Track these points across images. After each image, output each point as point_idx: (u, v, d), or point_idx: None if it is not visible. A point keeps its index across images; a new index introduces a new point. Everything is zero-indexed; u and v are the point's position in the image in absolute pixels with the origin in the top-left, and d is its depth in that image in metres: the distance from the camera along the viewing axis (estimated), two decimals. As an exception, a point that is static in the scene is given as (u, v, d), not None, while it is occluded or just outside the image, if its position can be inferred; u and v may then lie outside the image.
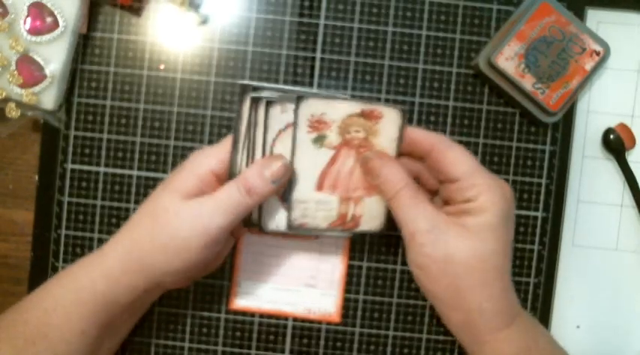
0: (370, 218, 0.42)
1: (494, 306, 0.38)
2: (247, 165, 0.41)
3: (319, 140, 0.40)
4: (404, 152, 0.42)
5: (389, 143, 0.41)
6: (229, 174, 0.41)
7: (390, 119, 0.41)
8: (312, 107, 0.40)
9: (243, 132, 0.41)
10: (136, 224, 0.40)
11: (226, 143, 0.41)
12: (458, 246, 0.37)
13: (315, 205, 0.42)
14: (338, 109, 0.40)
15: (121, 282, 0.40)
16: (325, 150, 0.41)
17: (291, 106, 0.40)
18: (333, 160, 0.41)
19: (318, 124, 0.40)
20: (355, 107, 0.40)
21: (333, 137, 0.41)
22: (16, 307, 0.41)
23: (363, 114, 0.40)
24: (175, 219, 0.39)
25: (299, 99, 0.39)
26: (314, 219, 0.42)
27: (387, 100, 0.48)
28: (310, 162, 0.41)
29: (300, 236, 0.42)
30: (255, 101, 0.40)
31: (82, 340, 0.39)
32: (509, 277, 0.39)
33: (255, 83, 0.41)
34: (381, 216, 0.43)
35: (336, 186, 0.41)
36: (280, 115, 0.40)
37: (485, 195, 0.38)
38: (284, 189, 0.41)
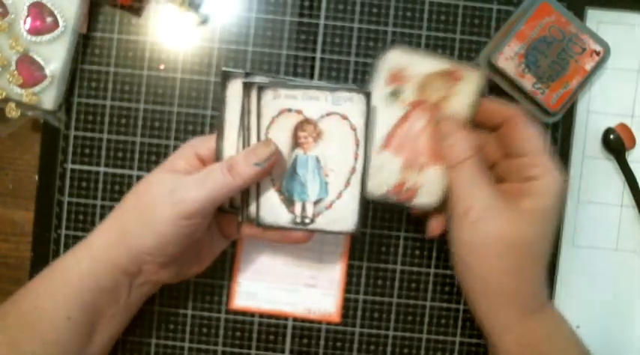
0: (427, 192, 0.41)
1: (530, 290, 0.39)
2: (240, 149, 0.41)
3: (395, 95, 0.40)
4: (476, 121, 0.42)
5: (464, 107, 0.41)
6: (215, 159, 0.41)
7: (469, 82, 0.40)
8: (396, 59, 0.40)
9: (227, 119, 0.41)
10: (124, 202, 0.41)
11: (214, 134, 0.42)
12: (510, 228, 0.37)
13: (378, 164, 0.41)
14: (421, 65, 0.40)
15: (103, 261, 0.40)
16: (398, 107, 0.40)
17: (283, 92, 0.39)
18: (404, 118, 0.40)
19: (397, 78, 0.39)
20: (438, 65, 0.40)
21: (409, 93, 0.40)
22: (13, 297, 0.41)
23: (445, 74, 0.40)
24: (154, 188, 0.40)
25: (386, 49, 0.39)
26: (373, 182, 0.41)
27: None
28: (381, 118, 0.40)
29: (296, 234, 0.42)
30: (247, 87, 0.40)
31: (69, 326, 0.40)
32: (546, 263, 0.39)
33: (237, 70, 0.41)
34: (438, 193, 0.41)
35: (403, 147, 0.41)
36: (273, 101, 0.40)
37: (547, 177, 0.38)
38: (281, 179, 0.41)
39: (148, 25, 0.48)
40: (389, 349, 0.48)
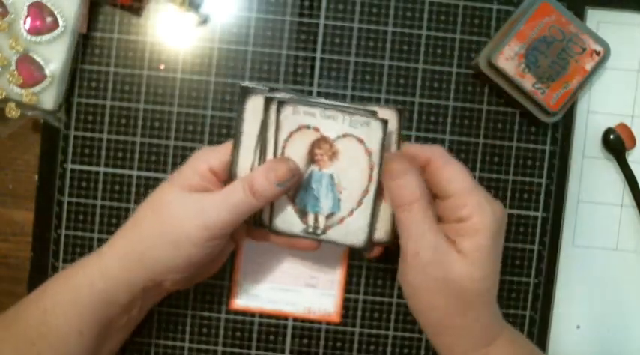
0: (380, 228, 0.42)
1: (479, 325, 0.39)
2: (259, 165, 0.41)
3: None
4: None
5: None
6: (230, 174, 0.41)
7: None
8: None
9: (244, 133, 0.41)
10: (139, 219, 0.40)
11: (228, 144, 0.41)
12: (456, 269, 0.37)
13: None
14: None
15: (120, 280, 0.39)
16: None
17: (302, 109, 0.40)
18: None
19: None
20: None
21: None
22: (16, 307, 0.41)
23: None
24: (179, 210, 0.39)
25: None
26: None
27: (387, 101, 0.48)
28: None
29: (305, 242, 0.42)
30: (268, 101, 0.40)
31: (81, 340, 0.39)
32: (494, 296, 0.40)
33: (257, 86, 0.41)
34: (388, 230, 0.42)
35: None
36: (292, 116, 0.40)
37: (477, 216, 0.38)
38: (296, 191, 0.41)
39: (147, 25, 0.48)
40: (389, 349, 0.48)
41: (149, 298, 0.43)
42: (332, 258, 0.48)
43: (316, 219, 0.41)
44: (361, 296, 0.48)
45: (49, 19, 0.45)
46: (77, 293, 0.39)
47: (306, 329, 0.48)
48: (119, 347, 0.44)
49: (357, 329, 0.48)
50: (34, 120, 0.48)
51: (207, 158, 0.41)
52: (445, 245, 0.38)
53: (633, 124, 0.49)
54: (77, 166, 0.48)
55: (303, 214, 0.41)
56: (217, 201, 0.38)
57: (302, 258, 0.48)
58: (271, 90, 0.41)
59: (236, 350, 0.48)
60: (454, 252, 0.37)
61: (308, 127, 0.40)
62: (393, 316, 0.48)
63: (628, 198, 0.49)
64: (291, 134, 0.40)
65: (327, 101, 0.40)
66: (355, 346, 0.48)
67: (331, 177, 0.41)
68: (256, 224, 0.42)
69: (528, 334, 0.48)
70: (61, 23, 0.45)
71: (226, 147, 0.41)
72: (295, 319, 0.48)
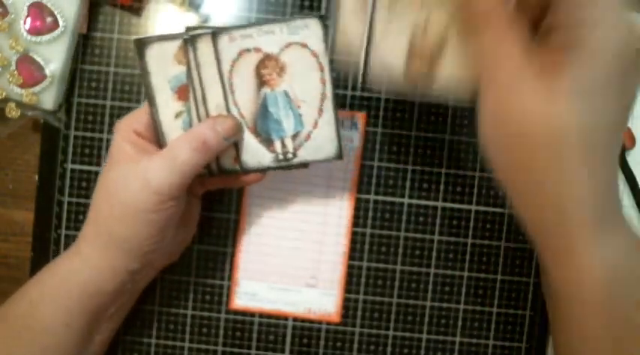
0: (450, 66, 0.33)
1: (587, 198, 0.27)
2: (201, 112, 0.40)
3: None
4: None
5: None
6: (157, 133, 0.40)
7: None
8: None
9: (155, 87, 0.40)
10: (96, 206, 0.40)
11: (145, 104, 0.40)
12: (537, 109, 0.26)
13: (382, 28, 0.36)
14: None
15: (102, 268, 0.39)
16: None
17: (238, 33, 0.38)
18: None
19: None
20: None
21: None
22: (8, 301, 0.41)
23: None
24: (125, 184, 0.38)
25: None
26: (382, 48, 0.35)
27: (386, 100, 0.48)
28: None
29: (249, 177, 0.41)
30: (192, 41, 0.38)
31: (68, 332, 0.39)
32: (610, 159, 0.28)
33: (151, 36, 0.40)
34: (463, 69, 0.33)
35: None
36: (229, 45, 0.38)
37: (597, 32, 0.26)
38: (254, 121, 0.40)
39: (147, 25, 0.48)
40: (389, 349, 0.48)
41: (139, 281, 0.42)
42: (332, 258, 0.48)
43: (283, 144, 0.40)
44: (361, 296, 0.49)
45: (49, 19, 0.45)
46: (62, 285, 0.39)
47: (306, 329, 0.48)
48: (112, 335, 0.44)
49: (357, 329, 0.48)
50: (34, 120, 0.48)
51: (130, 124, 0.40)
52: (535, 69, 0.27)
53: (633, 124, 0.49)
54: (77, 166, 0.48)
55: (268, 143, 0.40)
56: (161, 164, 0.37)
57: (302, 258, 0.48)
58: (172, 36, 0.39)
59: (236, 350, 0.48)
60: (548, 80, 0.26)
61: (248, 50, 0.39)
62: (393, 316, 0.49)
63: (628, 198, 0.49)
64: (233, 63, 0.39)
65: (254, 23, 0.39)
66: (355, 346, 0.48)
67: (285, 94, 0.40)
68: (219, 172, 0.41)
69: (528, 334, 0.48)
70: (61, 23, 0.45)
71: (144, 107, 0.40)
72: (295, 319, 0.48)
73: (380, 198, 0.48)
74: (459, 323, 0.48)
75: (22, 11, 0.44)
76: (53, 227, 0.48)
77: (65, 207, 0.48)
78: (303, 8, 0.48)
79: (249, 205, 0.48)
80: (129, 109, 0.48)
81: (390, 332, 0.49)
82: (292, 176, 0.48)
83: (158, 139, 0.41)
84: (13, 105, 0.45)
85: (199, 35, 0.39)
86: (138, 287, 0.44)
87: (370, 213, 0.48)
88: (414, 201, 0.48)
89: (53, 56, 0.45)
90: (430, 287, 0.48)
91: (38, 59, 0.45)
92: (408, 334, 0.48)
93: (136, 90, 0.48)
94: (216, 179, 0.43)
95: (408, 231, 0.48)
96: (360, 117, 0.48)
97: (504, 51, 0.27)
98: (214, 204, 0.48)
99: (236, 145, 0.40)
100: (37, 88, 0.45)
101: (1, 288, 0.49)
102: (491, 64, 0.28)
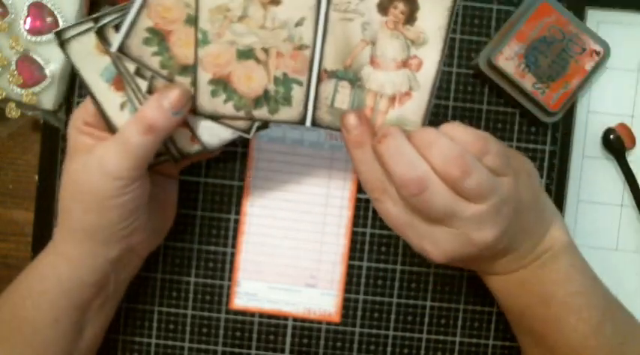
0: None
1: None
2: (141, 99, 0.38)
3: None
4: None
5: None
6: (108, 127, 0.39)
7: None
8: None
9: (88, 77, 0.38)
10: (65, 200, 0.40)
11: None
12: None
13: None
14: None
15: (82, 261, 0.39)
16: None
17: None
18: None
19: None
20: None
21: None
22: None
23: None
24: (85, 174, 0.38)
25: None
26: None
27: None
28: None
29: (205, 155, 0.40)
30: (101, 33, 0.37)
31: (57, 327, 0.39)
32: (507, 246, 0.38)
33: (66, 27, 0.38)
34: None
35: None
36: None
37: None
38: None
39: (148, 25, 0.48)
40: (389, 349, 0.48)
41: (122, 269, 0.42)
42: (332, 258, 0.48)
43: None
44: (361, 296, 0.48)
45: (49, 19, 0.45)
46: (45, 283, 0.39)
47: (306, 329, 0.48)
48: (104, 328, 0.44)
49: (357, 329, 0.48)
50: (34, 120, 0.48)
51: (80, 117, 0.40)
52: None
53: (633, 124, 0.49)
54: (77, 166, 0.48)
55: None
56: (113, 149, 0.37)
57: (302, 258, 0.48)
58: (85, 29, 0.38)
59: (236, 350, 0.48)
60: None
61: None
62: (393, 316, 0.48)
63: (628, 198, 0.49)
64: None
65: None
66: (355, 346, 0.48)
67: None
68: (183, 156, 0.40)
69: (528, 334, 0.48)
70: (61, 23, 0.45)
71: (89, 99, 0.40)
72: (295, 319, 0.48)
73: (380, 198, 0.48)
74: (459, 323, 0.48)
75: (22, 11, 0.44)
76: (53, 227, 0.48)
77: (65, 207, 0.48)
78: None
79: (249, 205, 0.48)
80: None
81: (390, 332, 0.48)
82: (292, 176, 0.48)
83: (107, 126, 0.39)
84: (13, 105, 0.45)
85: (106, 25, 0.37)
86: (123, 278, 0.43)
87: (370, 214, 0.48)
88: (414, 201, 0.48)
89: (53, 56, 0.45)
90: (430, 287, 0.48)
91: (38, 59, 0.45)
92: (408, 334, 0.48)
93: (136, 90, 0.48)
94: (187, 161, 0.42)
95: (408, 231, 0.48)
96: (360, 117, 0.48)
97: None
98: (214, 204, 0.48)
99: (189, 126, 0.39)
100: (37, 88, 0.45)
101: (1, 288, 0.49)
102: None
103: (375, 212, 0.48)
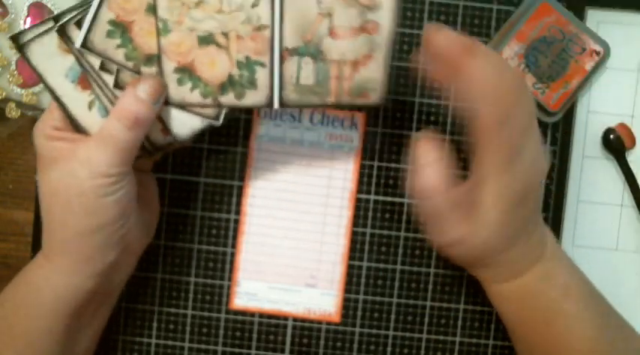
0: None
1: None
2: (109, 95, 0.38)
3: None
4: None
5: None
6: (76, 129, 0.38)
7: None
8: None
9: (51, 80, 0.38)
10: (47, 212, 0.38)
11: (54, 102, 0.39)
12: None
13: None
14: None
15: (77, 271, 0.38)
16: None
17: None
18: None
19: None
20: None
21: None
22: None
23: None
24: (66, 178, 0.37)
25: None
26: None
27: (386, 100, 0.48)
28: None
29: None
30: (62, 31, 0.37)
31: (51, 337, 0.39)
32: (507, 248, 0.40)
33: (24, 30, 0.38)
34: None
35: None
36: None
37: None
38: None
39: (148, 25, 0.48)
40: (389, 349, 0.48)
41: (119, 271, 0.42)
42: (332, 258, 0.48)
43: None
44: (361, 296, 0.48)
45: (49, 19, 0.45)
46: (40, 296, 0.38)
47: (306, 329, 0.48)
48: (100, 331, 0.43)
49: (357, 329, 0.48)
50: (34, 120, 0.48)
51: (47, 124, 0.39)
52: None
53: (633, 124, 0.49)
54: (77, 166, 0.48)
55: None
56: (99, 147, 0.36)
57: (302, 258, 0.48)
58: (45, 30, 0.37)
59: (236, 350, 0.48)
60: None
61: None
62: (393, 316, 0.48)
63: (628, 198, 0.49)
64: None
65: None
66: (355, 346, 0.48)
67: None
68: (156, 149, 0.40)
69: (528, 334, 0.48)
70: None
71: (53, 104, 0.39)
72: (295, 319, 0.48)
73: (380, 198, 0.48)
74: (459, 323, 0.48)
75: (22, 11, 0.44)
76: (53, 227, 0.48)
77: (65, 207, 0.48)
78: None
79: (249, 205, 0.48)
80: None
81: (390, 332, 0.49)
82: (292, 176, 0.48)
83: (80, 132, 0.39)
84: (13, 105, 0.45)
85: (67, 22, 0.37)
86: (120, 279, 0.43)
87: (370, 213, 0.48)
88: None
89: (53, 56, 0.45)
90: (430, 287, 0.48)
91: (38, 59, 0.45)
92: (408, 334, 0.48)
93: (136, 90, 0.48)
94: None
95: (408, 231, 0.48)
96: (360, 117, 0.48)
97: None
98: (214, 204, 0.48)
99: (160, 117, 0.38)
100: (37, 88, 0.45)
101: (1, 288, 0.49)
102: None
103: (374, 212, 0.48)
